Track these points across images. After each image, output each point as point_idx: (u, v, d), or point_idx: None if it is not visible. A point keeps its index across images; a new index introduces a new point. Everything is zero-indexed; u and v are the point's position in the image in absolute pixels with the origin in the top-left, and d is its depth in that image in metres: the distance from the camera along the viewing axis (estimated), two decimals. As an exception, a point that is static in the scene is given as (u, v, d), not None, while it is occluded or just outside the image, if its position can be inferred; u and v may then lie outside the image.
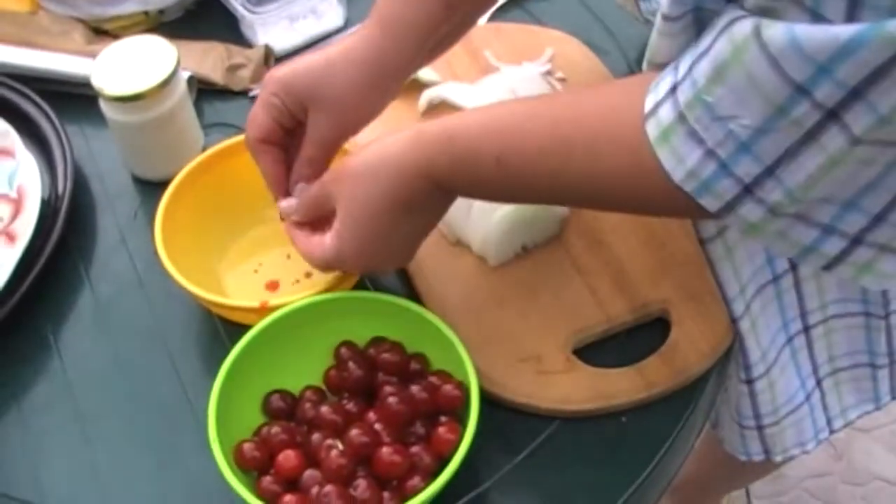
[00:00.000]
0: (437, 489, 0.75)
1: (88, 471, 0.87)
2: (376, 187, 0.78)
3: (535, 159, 0.73)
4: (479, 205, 0.92)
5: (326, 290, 0.87)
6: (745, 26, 0.59)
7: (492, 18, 1.19)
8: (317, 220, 0.85)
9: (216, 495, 0.81)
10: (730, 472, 1.55)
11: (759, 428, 1.00)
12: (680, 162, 0.65)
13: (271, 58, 1.16)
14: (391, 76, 0.86)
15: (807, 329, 0.96)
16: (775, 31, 0.57)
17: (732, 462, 1.47)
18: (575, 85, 1.07)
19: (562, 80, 1.08)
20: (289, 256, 0.97)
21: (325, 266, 0.84)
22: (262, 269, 0.97)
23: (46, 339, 0.96)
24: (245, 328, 0.85)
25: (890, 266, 0.66)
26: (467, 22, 0.93)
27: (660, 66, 0.70)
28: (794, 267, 0.92)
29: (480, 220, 0.91)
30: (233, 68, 1.14)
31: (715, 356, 0.88)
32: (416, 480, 0.77)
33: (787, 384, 0.96)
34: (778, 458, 1.05)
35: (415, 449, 0.78)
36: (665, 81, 0.66)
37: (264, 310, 0.86)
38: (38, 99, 1.10)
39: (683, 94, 0.64)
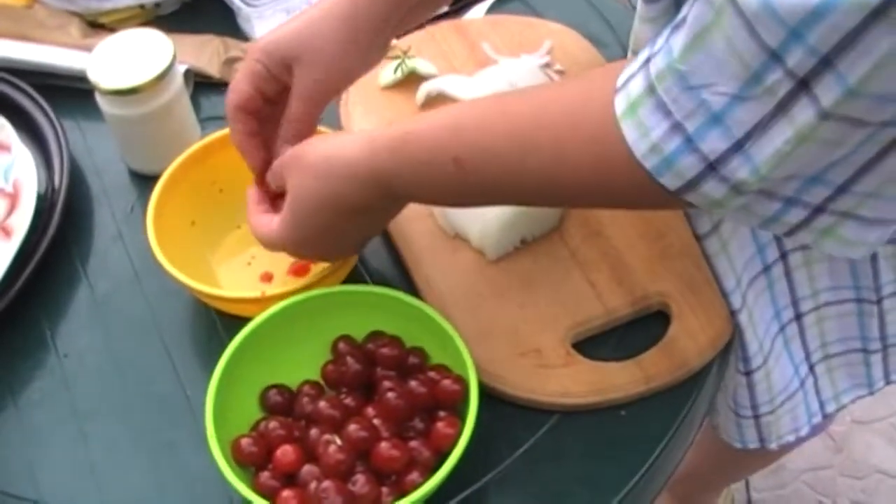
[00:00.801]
0: (437, 484, 0.75)
1: (85, 466, 0.87)
2: (324, 184, 0.79)
3: (495, 156, 0.72)
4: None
5: (320, 281, 0.87)
6: None
7: (490, 10, 1.18)
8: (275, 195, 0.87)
9: (214, 490, 0.80)
10: (729, 464, 1.55)
11: (756, 417, 0.99)
12: (644, 135, 0.63)
13: (268, 51, 1.15)
14: (367, 31, 0.86)
15: (798, 317, 0.96)
16: None
17: (731, 454, 1.47)
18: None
19: (560, 72, 1.07)
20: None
21: (267, 245, 0.86)
22: (255, 262, 0.97)
23: (43, 333, 0.95)
24: (242, 322, 0.85)
25: (852, 232, 0.65)
26: None
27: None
28: (783, 256, 0.92)
29: (479, 214, 0.91)
30: (229, 61, 1.14)
31: (715, 350, 0.87)
32: (415, 475, 0.76)
33: (782, 372, 0.96)
34: (773, 446, 1.05)
35: (413, 443, 0.78)
36: (640, 55, 0.65)
37: (263, 300, 0.86)
38: (33, 93, 1.10)
39: (656, 65, 0.62)
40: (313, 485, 0.76)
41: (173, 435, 0.88)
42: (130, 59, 1.00)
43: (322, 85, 0.86)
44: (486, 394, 0.82)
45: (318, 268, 0.89)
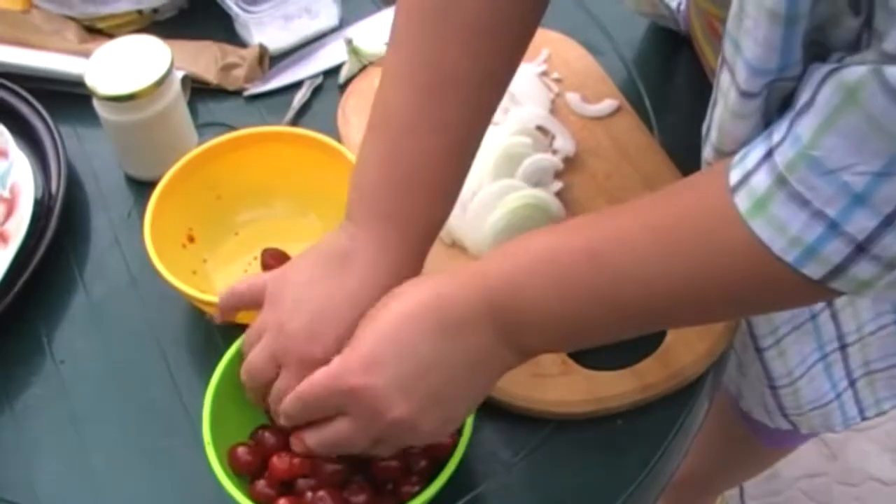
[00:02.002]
0: (433, 493, 0.75)
1: (82, 472, 0.87)
2: (445, 345, 0.68)
3: (632, 283, 0.66)
4: (474, 206, 0.92)
5: None
6: (858, 70, 0.55)
7: (487, 18, 1.18)
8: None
9: (209, 497, 0.80)
10: (724, 468, 1.55)
11: (784, 416, 0.99)
12: (780, 230, 0.59)
13: (266, 57, 1.15)
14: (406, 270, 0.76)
15: (843, 347, 0.95)
16: None
17: (727, 460, 1.48)
18: (571, 87, 1.06)
19: (558, 80, 1.07)
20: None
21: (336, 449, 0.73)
22: (251, 268, 0.97)
23: (40, 339, 0.95)
24: (239, 328, 0.85)
25: None
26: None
27: (727, 151, 0.65)
28: (829, 301, 0.90)
29: (476, 222, 0.91)
30: (227, 68, 1.14)
31: (711, 358, 0.87)
32: (411, 484, 0.76)
33: (816, 388, 0.96)
34: (805, 431, 1.05)
35: (410, 452, 0.78)
36: (755, 151, 0.61)
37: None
38: (30, 98, 1.10)
39: (782, 156, 0.59)
40: (309, 494, 0.76)
41: (169, 441, 0.88)
42: (128, 65, 1.00)
43: None
44: (483, 402, 0.82)
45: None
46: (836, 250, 0.58)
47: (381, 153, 0.77)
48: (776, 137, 0.60)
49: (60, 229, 1.00)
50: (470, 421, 0.77)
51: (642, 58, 1.14)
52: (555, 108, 1.05)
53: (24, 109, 1.09)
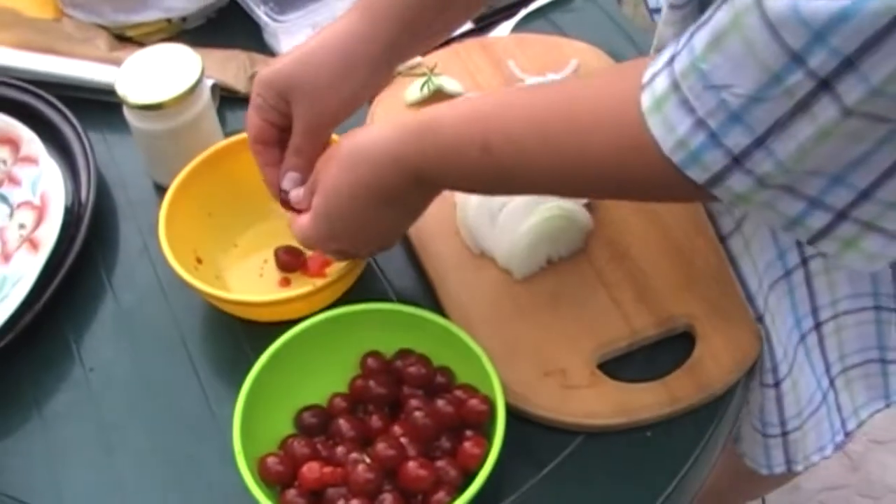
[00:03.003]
0: (464, 504, 0.75)
1: (110, 480, 0.87)
2: (353, 175, 0.80)
3: (520, 143, 0.73)
4: (504, 217, 0.92)
5: (333, 284, 0.89)
6: None
7: (515, 29, 1.19)
8: None
9: (238, 506, 0.81)
10: (746, 482, 1.54)
11: (784, 434, 0.99)
12: (670, 131, 0.65)
13: (294, 66, 1.15)
14: (365, 59, 0.87)
15: (818, 325, 0.96)
16: (777, 1, 0.57)
17: (750, 473, 1.47)
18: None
19: (586, 91, 1.07)
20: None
21: (303, 242, 0.86)
22: (266, 270, 0.98)
23: (69, 346, 0.96)
24: (267, 336, 0.85)
25: (874, 245, 0.67)
26: (463, 13, 0.94)
27: None
28: (804, 262, 0.92)
29: (505, 233, 0.91)
30: (255, 76, 1.14)
31: (740, 371, 0.87)
32: (441, 495, 0.77)
33: (807, 383, 0.96)
34: (800, 468, 1.05)
35: (440, 463, 0.78)
36: (665, 53, 0.66)
37: (280, 304, 0.89)
38: (61, 105, 1.10)
39: (680, 63, 0.64)
40: (340, 503, 0.76)
41: (198, 449, 0.88)
42: (159, 73, 1.01)
43: (318, 117, 0.87)
44: (511, 413, 0.82)
45: (335, 268, 0.91)
46: (714, 159, 0.64)
47: None
48: (680, 43, 0.65)
49: (90, 237, 1.01)
50: (500, 433, 0.77)
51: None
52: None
53: (55, 117, 1.10)
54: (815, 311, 0.95)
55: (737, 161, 0.63)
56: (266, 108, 0.87)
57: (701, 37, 0.62)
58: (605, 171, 0.72)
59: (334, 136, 0.92)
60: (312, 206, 0.83)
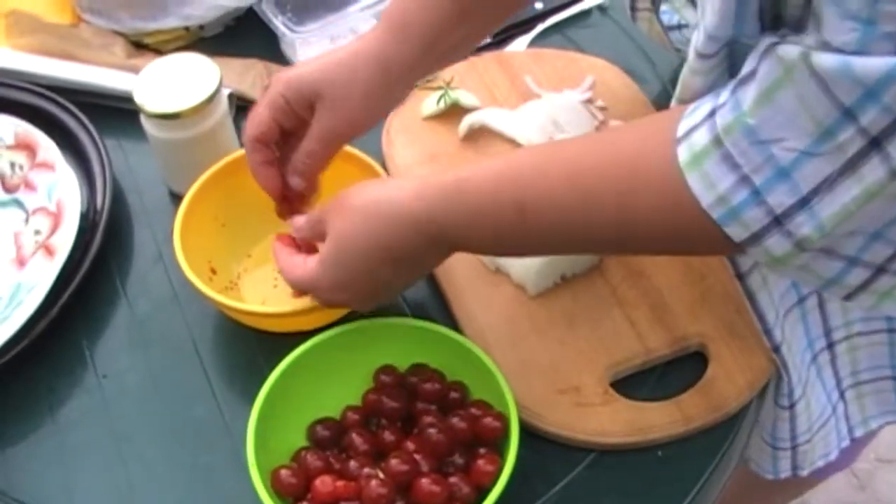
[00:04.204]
0: (476, 520, 0.75)
1: (122, 487, 0.87)
2: (368, 229, 0.78)
3: (557, 204, 0.72)
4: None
5: None
6: (792, 50, 0.59)
7: (532, 44, 1.19)
8: (306, 242, 0.87)
9: (251, 518, 0.81)
10: (754, 500, 1.54)
11: (794, 448, 0.99)
12: (710, 186, 0.64)
13: (311, 77, 1.16)
14: (396, 76, 0.87)
15: (831, 346, 0.96)
16: (825, 58, 0.57)
17: (755, 487, 1.47)
18: (615, 115, 1.07)
19: (602, 108, 1.08)
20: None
21: (298, 287, 0.85)
22: (281, 278, 0.97)
23: (83, 353, 0.96)
24: (281, 346, 0.85)
25: None
26: (481, 31, 0.95)
27: (689, 103, 0.70)
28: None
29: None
30: (276, 76, 1.14)
31: (753, 392, 0.87)
32: (454, 511, 0.77)
33: (817, 399, 0.96)
34: (804, 473, 1.05)
35: (453, 479, 0.78)
36: (703, 107, 0.66)
37: (291, 315, 0.89)
38: (78, 112, 1.11)
39: (723, 118, 0.63)
40: (354, 518, 0.76)
41: (210, 459, 0.88)
42: (177, 82, 1.01)
43: (342, 127, 0.88)
44: (524, 429, 0.82)
45: None
46: (755, 217, 0.63)
47: None
48: (721, 98, 0.64)
49: (105, 244, 1.01)
50: (514, 451, 0.78)
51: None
52: (599, 136, 1.05)
53: (71, 123, 1.10)
54: (828, 332, 0.95)
55: (778, 221, 0.62)
56: (285, 108, 0.87)
57: (747, 92, 0.62)
58: (646, 230, 0.71)
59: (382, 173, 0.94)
60: (321, 252, 0.81)
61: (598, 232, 0.73)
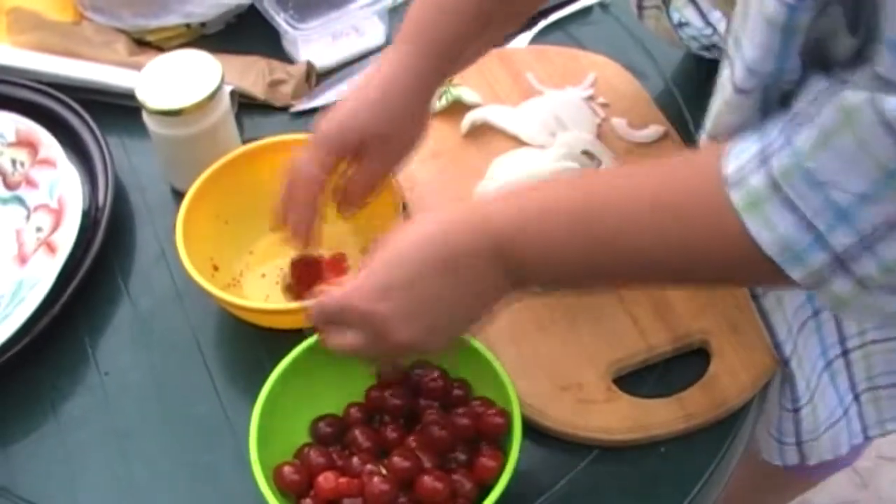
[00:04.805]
0: (479, 517, 0.75)
1: (125, 485, 0.88)
2: (421, 232, 0.73)
3: (620, 228, 0.69)
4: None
5: None
6: (856, 95, 0.58)
7: (533, 41, 1.19)
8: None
9: (253, 514, 0.81)
10: (755, 498, 1.54)
11: (799, 444, 0.99)
12: (771, 230, 0.62)
13: (313, 74, 1.16)
14: (431, 93, 0.88)
15: (845, 353, 0.95)
16: (894, 102, 0.56)
17: (757, 488, 1.47)
18: (617, 112, 1.07)
19: (604, 104, 1.08)
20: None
21: (328, 313, 0.76)
22: (283, 275, 0.99)
23: (85, 351, 0.96)
24: (284, 343, 0.85)
25: None
26: (503, 32, 0.96)
27: (720, 139, 0.68)
28: None
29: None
30: (274, 84, 1.14)
31: (755, 388, 0.87)
32: (457, 508, 0.77)
33: (827, 404, 0.96)
34: (812, 462, 1.05)
35: (456, 476, 0.78)
36: (749, 148, 0.64)
37: (295, 311, 0.88)
38: (80, 109, 1.11)
39: (779, 162, 0.61)
40: (356, 514, 0.76)
41: (213, 456, 0.88)
42: (179, 79, 1.01)
43: (395, 162, 0.90)
44: (526, 426, 0.82)
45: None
46: (817, 259, 0.62)
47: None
48: (773, 140, 0.62)
49: (107, 241, 1.01)
50: (517, 447, 0.78)
51: (687, 82, 1.14)
52: (601, 133, 1.05)
53: (73, 120, 1.10)
54: (842, 340, 0.94)
55: (840, 262, 0.62)
56: (333, 162, 0.86)
57: (805, 136, 0.60)
58: (700, 261, 0.69)
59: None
60: (367, 267, 0.74)
61: (653, 272, 0.72)
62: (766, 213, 0.62)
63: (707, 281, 0.76)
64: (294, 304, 0.90)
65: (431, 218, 0.74)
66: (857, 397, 0.99)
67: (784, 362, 0.88)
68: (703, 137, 0.74)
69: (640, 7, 1.10)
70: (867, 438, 1.05)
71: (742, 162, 0.64)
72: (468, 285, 0.72)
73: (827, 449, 1.02)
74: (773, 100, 0.66)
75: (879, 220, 0.59)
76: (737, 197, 0.63)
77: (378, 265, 0.73)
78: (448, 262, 0.71)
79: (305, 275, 0.96)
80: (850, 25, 0.60)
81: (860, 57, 0.60)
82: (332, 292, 0.75)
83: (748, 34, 0.64)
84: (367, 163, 0.87)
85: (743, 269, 0.67)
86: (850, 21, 0.60)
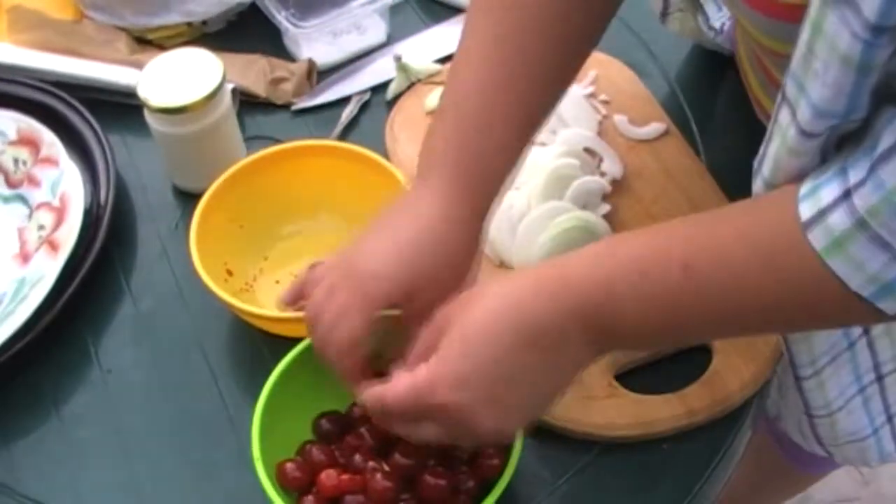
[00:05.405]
0: (482, 513, 0.75)
1: (127, 483, 0.88)
2: (503, 307, 0.68)
3: (719, 269, 0.66)
4: (523, 228, 0.92)
5: None
6: None
7: (535, 38, 1.18)
8: None
9: (255, 511, 0.81)
10: (757, 493, 1.54)
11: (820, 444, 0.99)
12: (859, 268, 0.61)
13: (314, 72, 1.16)
14: (471, 238, 0.79)
15: (880, 378, 0.95)
16: None
17: (760, 483, 1.47)
18: (618, 109, 1.07)
19: (605, 102, 1.08)
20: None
21: (400, 408, 0.70)
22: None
23: (87, 349, 0.96)
24: (286, 342, 0.85)
25: None
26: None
27: (776, 186, 0.67)
28: (866, 330, 0.89)
29: (525, 243, 0.91)
30: (275, 82, 1.14)
31: (757, 385, 0.88)
32: (459, 504, 0.77)
33: (854, 423, 0.95)
34: (839, 461, 1.04)
35: (458, 473, 0.78)
36: (829, 188, 0.61)
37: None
38: (81, 107, 1.10)
39: (863, 200, 0.59)
40: (359, 511, 0.76)
41: (215, 454, 0.88)
42: (180, 77, 1.01)
43: (439, 301, 0.73)
44: (528, 423, 0.82)
45: None
46: None
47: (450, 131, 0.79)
48: (853, 178, 0.60)
49: (109, 239, 1.01)
50: (519, 442, 0.78)
51: (688, 79, 1.15)
52: (602, 131, 1.05)
53: (75, 119, 1.10)
54: (876, 366, 0.93)
55: None
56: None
57: (891, 169, 0.58)
58: (789, 303, 0.66)
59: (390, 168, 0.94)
60: (441, 349, 0.68)
61: (742, 324, 0.70)
62: (851, 253, 0.60)
63: (797, 325, 0.74)
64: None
65: (496, 291, 0.69)
66: (890, 419, 0.98)
67: (796, 378, 0.86)
68: (758, 185, 0.70)
69: (665, 13, 1.09)
70: None
71: (822, 204, 0.62)
72: (552, 361, 0.68)
73: (854, 457, 1.01)
74: (833, 141, 0.64)
75: None
76: (817, 239, 0.61)
77: (453, 349, 0.68)
78: (527, 337, 0.67)
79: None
80: None
81: None
82: (394, 386, 0.69)
83: (816, 75, 0.61)
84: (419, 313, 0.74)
85: (832, 309, 0.65)
86: None
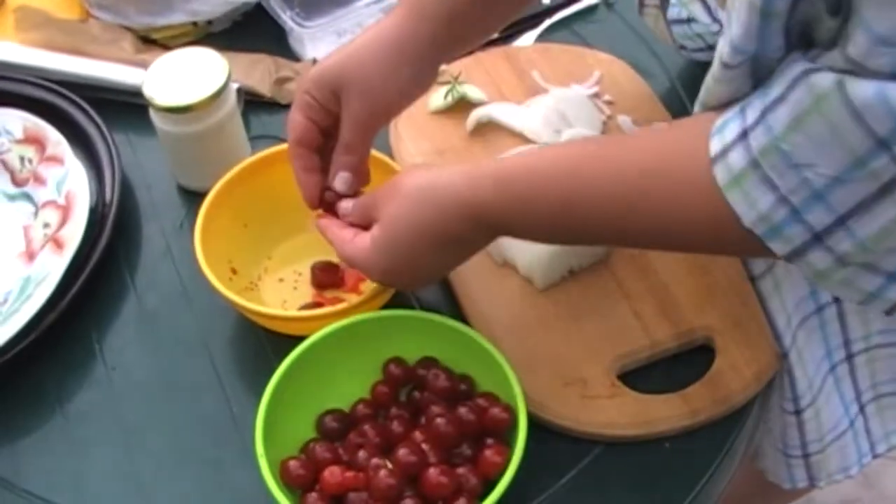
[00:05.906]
0: (484, 511, 0.75)
1: (131, 480, 0.88)
2: (420, 214, 0.80)
3: (603, 202, 0.74)
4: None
5: (365, 303, 0.88)
6: (826, 78, 0.60)
7: (539, 39, 1.19)
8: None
9: (258, 509, 0.81)
10: (759, 495, 1.54)
11: (806, 456, 0.99)
12: (751, 206, 0.65)
13: (319, 72, 1.16)
14: (413, 55, 0.87)
15: (850, 357, 0.96)
16: (861, 87, 0.58)
17: (762, 485, 1.46)
18: (622, 110, 1.07)
19: (609, 102, 1.08)
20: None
21: (350, 263, 0.86)
22: (300, 283, 0.98)
23: (92, 347, 0.97)
24: (289, 340, 0.86)
25: None
26: (501, 15, 0.95)
27: (712, 109, 0.72)
28: (837, 298, 0.92)
29: (528, 243, 0.91)
30: (280, 81, 1.15)
31: (759, 384, 0.88)
32: (462, 502, 0.77)
33: (833, 411, 0.96)
34: (822, 484, 1.05)
35: (461, 470, 0.78)
36: (732, 126, 0.67)
37: (308, 320, 0.89)
38: (86, 106, 1.11)
39: (757, 141, 0.64)
40: (362, 508, 0.77)
41: (219, 452, 0.89)
42: (186, 76, 1.01)
43: (369, 112, 0.87)
44: (531, 422, 0.82)
45: (369, 284, 0.90)
46: (796, 234, 0.65)
47: None
48: (750, 118, 0.65)
49: (114, 237, 1.01)
50: (522, 442, 0.78)
51: (692, 80, 1.15)
52: (606, 131, 1.05)
53: (80, 118, 1.10)
54: (847, 343, 0.95)
55: (818, 238, 0.64)
56: (314, 106, 0.87)
57: (779, 116, 0.63)
58: (685, 232, 0.73)
59: (395, 166, 0.96)
60: (371, 237, 0.82)
61: (640, 232, 0.76)
62: (745, 189, 0.65)
63: (688, 247, 0.81)
64: (310, 313, 0.90)
65: (425, 206, 0.80)
66: (862, 409, 0.99)
67: (783, 355, 0.88)
68: (696, 106, 0.77)
69: (642, 4, 1.11)
70: (875, 456, 1.05)
71: (725, 140, 0.67)
72: (458, 251, 0.84)
73: (835, 465, 1.02)
74: (763, 71, 0.68)
75: (853, 201, 0.61)
76: (720, 174, 0.67)
77: (383, 249, 0.82)
78: (445, 244, 0.81)
79: (324, 280, 0.97)
80: (831, 8, 0.61)
81: (837, 37, 0.61)
82: (351, 245, 0.84)
83: (733, 13, 0.67)
84: (345, 113, 0.87)
85: (726, 238, 0.70)
86: (832, 4, 0.61)
